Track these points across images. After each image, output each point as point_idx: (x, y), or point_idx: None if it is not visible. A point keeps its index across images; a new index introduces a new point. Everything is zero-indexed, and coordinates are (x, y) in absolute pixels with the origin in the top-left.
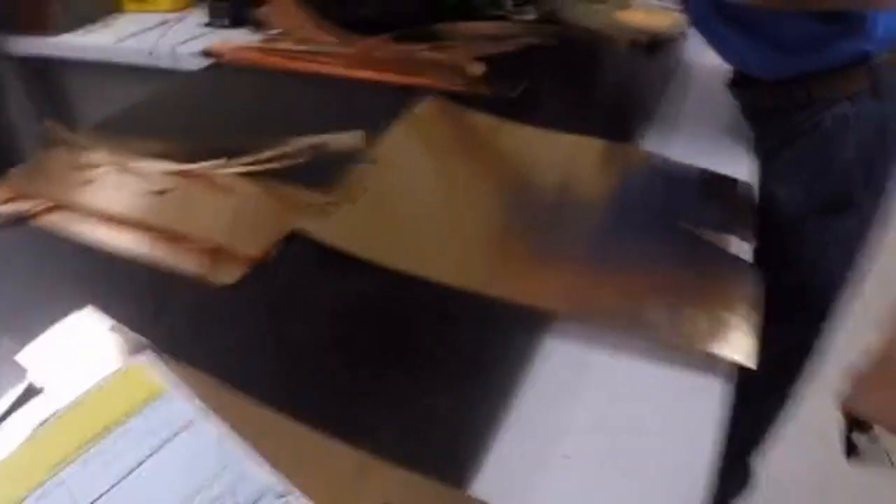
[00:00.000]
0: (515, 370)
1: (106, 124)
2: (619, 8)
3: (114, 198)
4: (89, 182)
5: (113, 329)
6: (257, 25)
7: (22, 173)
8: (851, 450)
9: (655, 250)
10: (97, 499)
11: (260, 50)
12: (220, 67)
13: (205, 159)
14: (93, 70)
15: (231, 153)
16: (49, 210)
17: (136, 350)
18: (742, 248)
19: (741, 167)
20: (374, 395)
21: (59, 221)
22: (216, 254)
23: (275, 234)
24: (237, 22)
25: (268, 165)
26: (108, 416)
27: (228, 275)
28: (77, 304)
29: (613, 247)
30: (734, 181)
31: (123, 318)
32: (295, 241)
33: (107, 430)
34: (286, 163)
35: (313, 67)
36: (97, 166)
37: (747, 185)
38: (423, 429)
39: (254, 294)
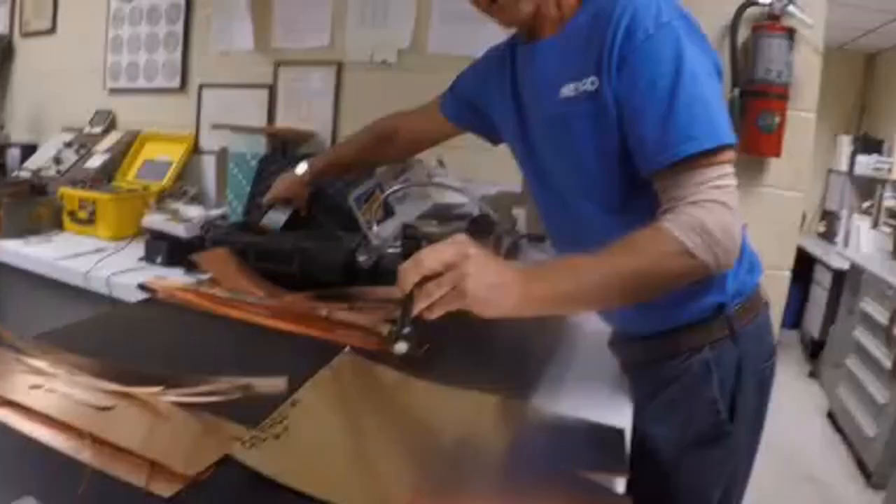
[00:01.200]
0: None
1: (48, 336)
2: None
3: (58, 405)
4: (36, 387)
5: None
6: (189, 268)
7: None
8: None
9: (543, 489)
10: None
11: (192, 292)
12: (154, 302)
13: (143, 385)
14: (32, 280)
15: (167, 383)
16: None
17: None
18: (618, 483)
19: (621, 413)
20: None
21: (4, 417)
22: (155, 468)
23: (208, 457)
24: (171, 262)
25: (201, 399)
26: None
27: (166, 488)
28: (21, 493)
29: (507, 485)
30: (608, 427)
31: None
32: (226, 466)
33: None
34: (217, 398)
35: (241, 314)
36: (44, 374)
37: (619, 430)
38: None
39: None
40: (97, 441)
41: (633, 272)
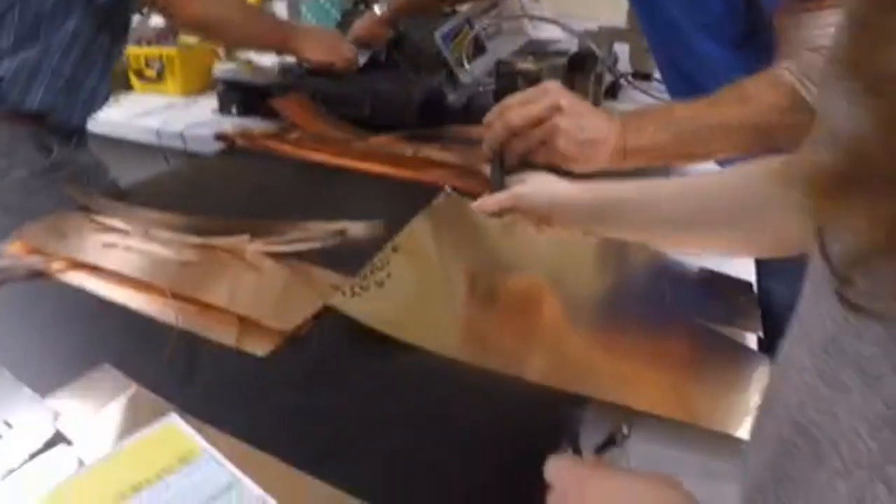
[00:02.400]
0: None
1: (122, 194)
2: None
3: (137, 263)
4: (110, 245)
5: (137, 390)
6: (267, 115)
7: (36, 230)
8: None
9: (677, 341)
10: None
11: (273, 137)
12: (232, 152)
13: (228, 236)
14: (102, 144)
15: (254, 233)
16: (67, 268)
17: (159, 412)
18: (749, 339)
19: (742, 264)
20: (415, 470)
21: (77, 279)
22: (247, 326)
23: (305, 310)
24: (246, 111)
25: (292, 247)
26: (141, 473)
27: (260, 347)
28: (98, 362)
29: (635, 339)
30: (736, 280)
31: (144, 380)
32: (325, 319)
33: (140, 486)
34: (309, 245)
35: (326, 158)
36: (118, 231)
37: (748, 283)
38: None
39: (286, 366)
40: (180, 299)
41: (740, 125)
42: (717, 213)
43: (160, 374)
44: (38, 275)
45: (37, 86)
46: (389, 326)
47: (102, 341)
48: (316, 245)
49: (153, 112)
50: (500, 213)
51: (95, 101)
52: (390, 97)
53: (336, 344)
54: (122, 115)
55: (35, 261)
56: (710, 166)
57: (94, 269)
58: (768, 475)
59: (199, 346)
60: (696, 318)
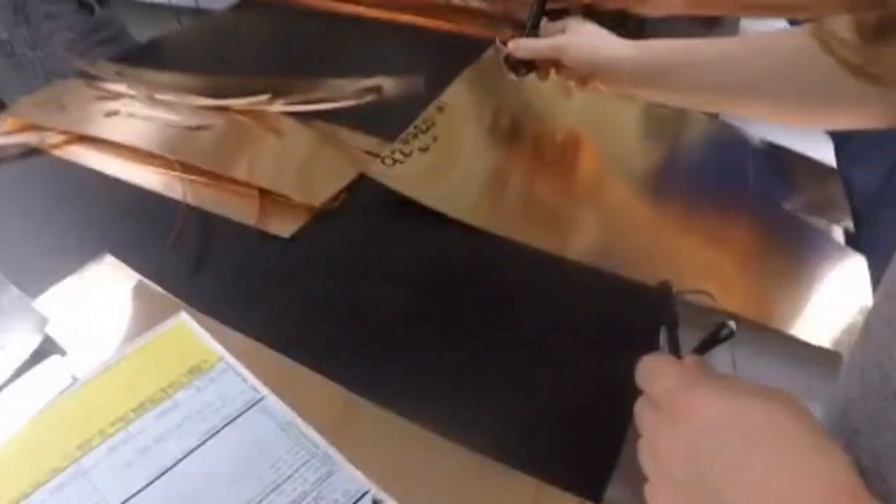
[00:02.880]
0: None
1: (127, 57)
2: None
3: (141, 131)
4: (112, 114)
5: (140, 284)
6: None
7: (32, 103)
8: None
9: (764, 230)
10: (130, 498)
11: None
12: (250, 5)
13: (245, 96)
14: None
15: (275, 91)
16: (65, 142)
17: (168, 310)
18: (836, 231)
19: (818, 145)
20: (474, 381)
21: (76, 155)
22: (269, 201)
23: (338, 181)
24: None
25: (319, 106)
26: (145, 388)
27: (284, 226)
28: (97, 251)
29: (716, 222)
30: (820, 164)
31: (151, 272)
32: (360, 191)
33: (144, 406)
34: (339, 105)
35: (356, 9)
36: (121, 96)
37: (833, 169)
38: (538, 430)
39: (316, 249)
40: (191, 170)
41: None
42: (772, 77)
43: (168, 263)
44: (33, 152)
45: None
46: (437, 200)
47: (102, 226)
48: (347, 104)
49: None
50: (534, 63)
51: None
52: None
53: (374, 221)
54: None
55: (29, 137)
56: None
57: (95, 142)
58: (861, 414)
59: (213, 227)
60: (784, 206)
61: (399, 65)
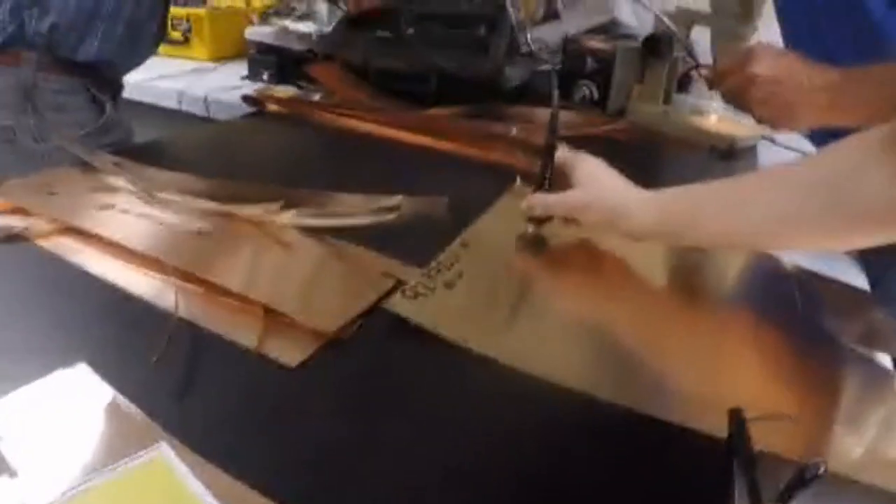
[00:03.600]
0: None
1: (132, 152)
2: (691, 113)
3: (135, 230)
4: (106, 207)
5: (115, 401)
6: (299, 84)
7: (22, 185)
8: None
9: (821, 364)
10: None
11: (310, 104)
12: (262, 116)
13: (253, 203)
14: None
15: (286, 202)
16: (51, 232)
17: (146, 438)
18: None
19: (849, 271)
20: None
21: (61, 247)
22: (274, 323)
23: (354, 305)
24: (279, 79)
25: (334, 221)
26: None
27: (290, 353)
28: (69, 358)
29: (776, 353)
30: (858, 290)
31: (130, 389)
32: (376, 318)
33: None
34: (355, 221)
35: (374, 129)
36: (118, 190)
37: (871, 295)
38: None
39: (326, 381)
40: (186, 277)
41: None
42: (810, 199)
43: (151, 381)
44: (16, 238)
45: (93, 33)
46: (462, 335)
47: (79, 330)
48: (363, 221)
49: (176, 75)
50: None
51: (150, 49)
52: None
53: (391, 353)
54: (141, 76)
55: (14, 221)
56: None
57: (83, 236)
58: None
59: (207, 347)
60: (838, 337)
61: (418, 186)
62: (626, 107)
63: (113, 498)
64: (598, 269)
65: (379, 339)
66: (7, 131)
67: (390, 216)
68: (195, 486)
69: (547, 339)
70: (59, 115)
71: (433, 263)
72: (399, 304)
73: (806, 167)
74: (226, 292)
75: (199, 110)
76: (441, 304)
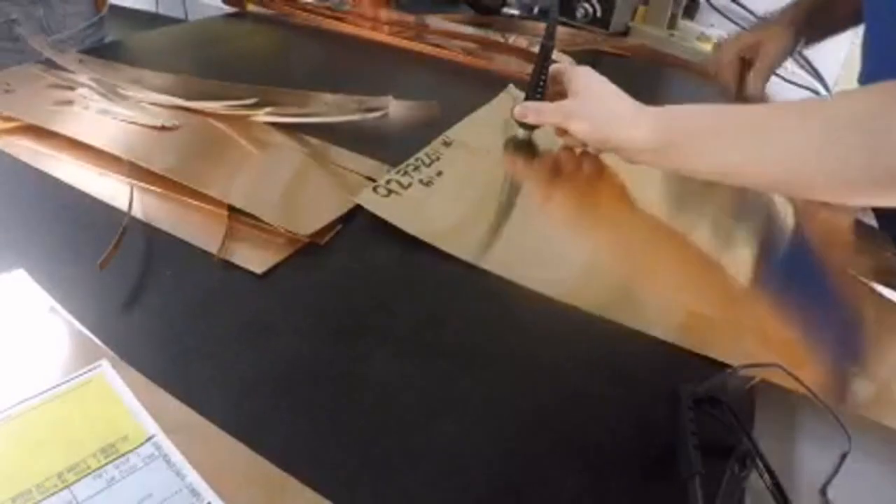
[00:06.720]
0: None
1: (100, 50)
2: (697, 40)
3: (94, 127)
4: (64, 103)
5: (51, 312)
6: None
7: None
8: None
9: (822, 300)
10: None
11: (294, 4)
12: (243, 16)
13: (227, 100)
14: None
15: (264, 99)
16: (5, 132)
17: (85, 355)
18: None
19: None
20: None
21: (12, 146)
22: (240, 226)
23: (331, 210)
24: None
25: (315, 119)
26: (32, 467)
27: (256, 260)
28: (7, 263)
29: (790, 295)
30: (870, 228)
31: (71, 299)
32: (354, 223)
33: (25, 498)
34: (339, 119)
35: (365, 33)
36: (78, 87)
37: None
38: None
39: (294, 293)
40: (144, 176)
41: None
42: (839, 138)
43: (95, 290)
44: None
45: None
46: (434, 236)
47: (22, 233)
48: (347, 120)
49: None
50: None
51: None
52: None
53: (371, 261)
54: None
55: None
56: None
57: (38, 134)
58: None
59: (162, 251)
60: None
61: (409, 90)
62: (629, 27)
63: (42, 425)
64: (588, 181)
65: (357, 245)
66: (10, 25)
67: (377, 115)
68: (139, 414)
69: (528, 247)
70: (66, 4)
71: (410, 160)
72: (369, 200)
73: (835, 104)
74: (187, 192)
75: (177, 13)
76: (415, 203)
